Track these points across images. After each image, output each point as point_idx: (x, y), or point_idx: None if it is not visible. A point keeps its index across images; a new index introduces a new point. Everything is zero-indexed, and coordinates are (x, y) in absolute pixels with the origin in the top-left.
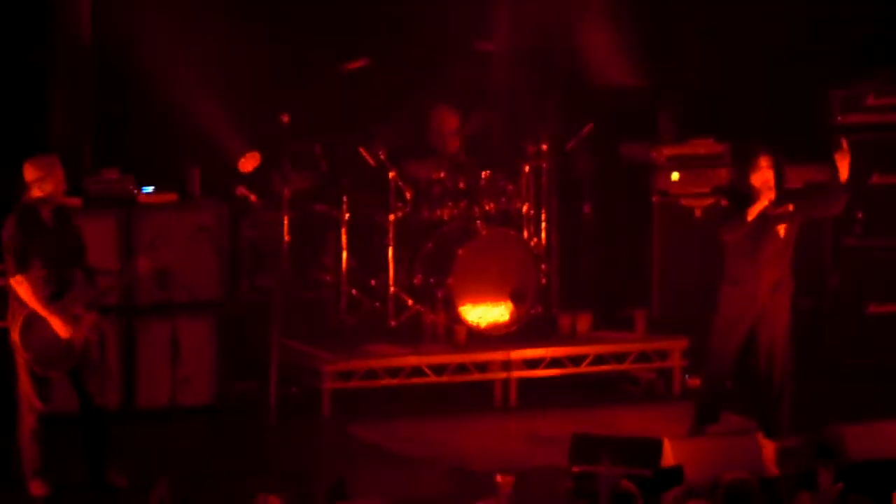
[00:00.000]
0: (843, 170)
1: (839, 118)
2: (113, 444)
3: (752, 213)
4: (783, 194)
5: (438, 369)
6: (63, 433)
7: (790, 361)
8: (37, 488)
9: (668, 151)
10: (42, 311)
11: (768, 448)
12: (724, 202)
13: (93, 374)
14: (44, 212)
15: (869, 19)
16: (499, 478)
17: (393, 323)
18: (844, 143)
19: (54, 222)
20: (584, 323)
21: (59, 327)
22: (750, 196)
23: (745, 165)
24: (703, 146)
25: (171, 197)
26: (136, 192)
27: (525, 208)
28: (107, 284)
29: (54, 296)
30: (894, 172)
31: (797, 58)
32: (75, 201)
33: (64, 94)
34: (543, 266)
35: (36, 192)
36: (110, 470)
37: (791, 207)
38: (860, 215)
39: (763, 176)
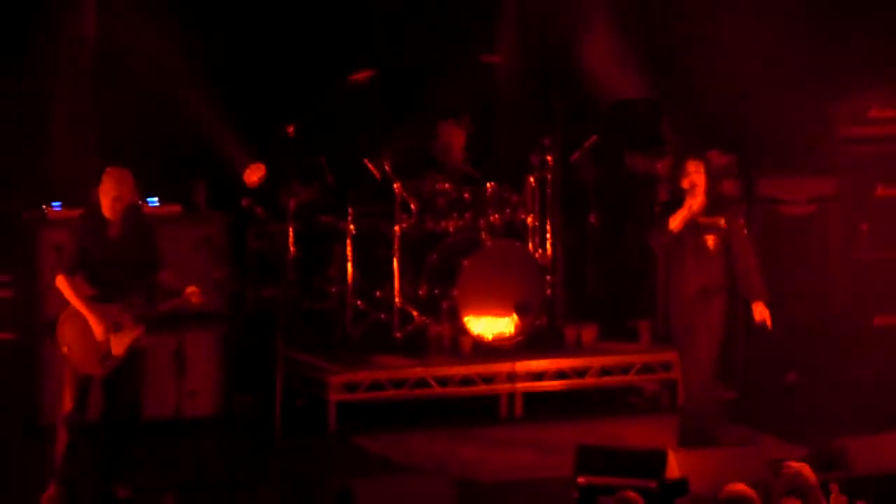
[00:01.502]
0: (758, 315)
1: (844, 130)
2: (123, 455)
3: (675, 220)
4: (717, 202)
5: (444, 381)
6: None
7: (713, 379)
8: (47, 498)
9: (672, 162)
10: (82, 309)
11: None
12: (657, 208)
13: (129, 386)
14: (107, 222)
15: (871, 31)
16: None
17: (398, 334)
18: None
19: (118, 234)
20: (588, 334)
21: (96, 328)
22: (679, 202)
23: (679, 171)
24: (710, 157)
25: (176, 209)
26: (141, 203)
27: (530, 220)
28: (166, 303)
29: (94, 299)
30: None
31: (801, 70)
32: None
33: (68, 105)
34: (548, 277)
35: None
36: (114, 480)
37: (723, 223)
38: (865, 227)
39: (691, 181)
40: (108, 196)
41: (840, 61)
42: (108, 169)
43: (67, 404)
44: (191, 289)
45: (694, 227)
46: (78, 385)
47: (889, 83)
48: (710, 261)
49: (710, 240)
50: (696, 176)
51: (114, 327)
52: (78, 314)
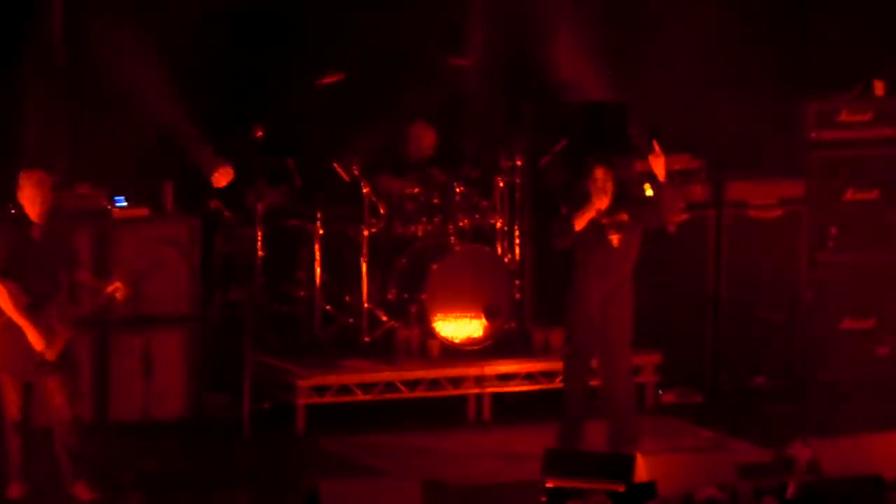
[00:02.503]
0: (659, 169)
1: (813, 133)
2: (81, 457)
3: (580, 220)
4: (621, 203)
5: (412, 384)
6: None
7: (630, 376)
8: (11, 494)
9: (641, 166)
10: (18, 320)
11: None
12: (563, 210)
13: (67, 388)
14: (30, 224)
15: (842, 34)
16: None
17: (367, 338)
18: (656, 145)
19: (41, 235)
20: (557, 338)
21: (34, 338)
22: (583, 205)
23: (584, 174)
24: (678, 161)
25: (144, 211)
26: (109, 206)
27: (499, 224)
28: (92, 302)
29: (30, 307)
30: (868, 188)
31: (772, 73)
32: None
33: (37, 110)
34: (517, 281)
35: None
36: (76, 482)
37: (625, 217)
38: (834, 231)
39: (598, 187)
40: (30, 199)
41: (810, 64)
42: (25, 173)
43: (14, 413)
44: (113, 286)
45: (598, 228)
46: (18, 394)
47: (859, 86)
48: (615, 259)
49: (616, 238)
50: (602, 182)
51: (51, 334)
52: (8, 325)
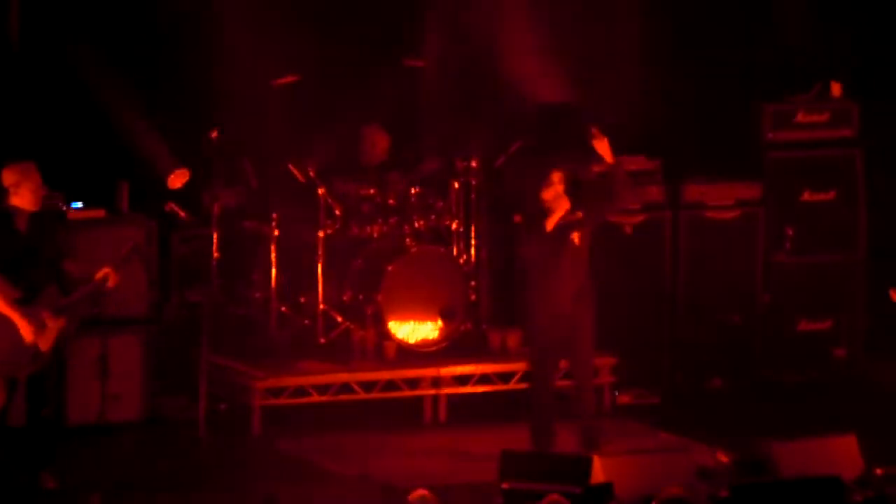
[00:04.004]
0: (605, 153)
1: (770, 134)
2: (51, 450)
3: (551, 223)
4: (575, 203)
5: (368, 386)
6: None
7: (592, 369)
8: None
9: (597, 168)
10: (8, 313)
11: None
12: (517, 219)
13: (53, 382)
14: (18, 217)
15: (802, 35)
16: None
17: (322, 340)
18: (595, 130)
19: (29, 228)
20: (513, 339)
21: (25, 329)
22: (542, 210)
23: (538, 181)
24: (634, 163)
25: (100, 213)
26: (65, 208)
27: (455, 225)
28: (82, 293)
29: (20, 301)
30: (824, 189)
31: (728, 74)
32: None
33: None
34: (473, 283)
35: (12, 198)
36: (43, 473)
37: (580, 215)
38: (790, 232)
39: (555, 191)
40: (30, 189)
41: (766, 65)
42: (22, 164)
43: None
44: (102, 272)
45: (560, 230)
46: (7, 388)
47: (816, 87)
48: (578, 258)
49: (576, 236)
50: (559, 185)
51: (41, 328)
52: (0, 319)
